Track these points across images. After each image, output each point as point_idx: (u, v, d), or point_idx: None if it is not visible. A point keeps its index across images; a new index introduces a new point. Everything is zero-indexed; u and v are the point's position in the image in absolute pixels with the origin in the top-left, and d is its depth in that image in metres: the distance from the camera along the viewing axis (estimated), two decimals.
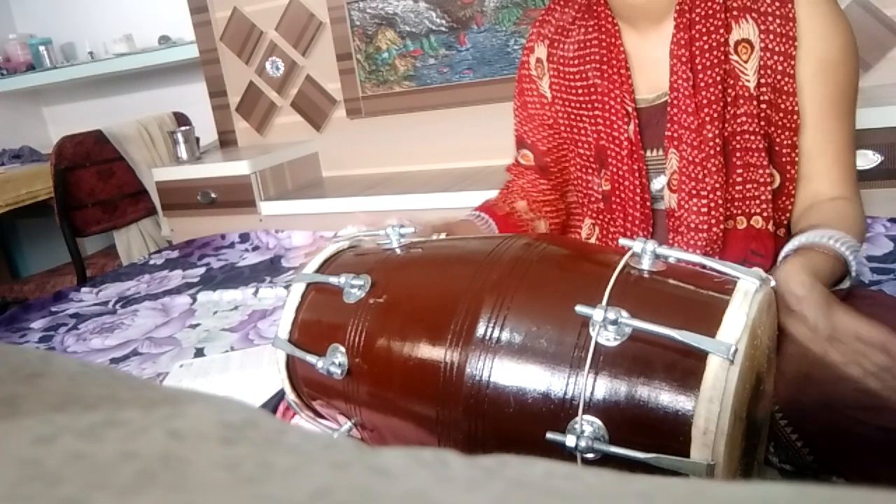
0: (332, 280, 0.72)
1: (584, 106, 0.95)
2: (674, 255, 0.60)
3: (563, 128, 0.99)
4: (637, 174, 0.90)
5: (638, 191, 0.90)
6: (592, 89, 0.93)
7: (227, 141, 2.60)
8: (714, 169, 0.84)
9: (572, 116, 0.97)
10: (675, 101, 0.86)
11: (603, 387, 0.55)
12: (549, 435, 0.55)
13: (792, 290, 0.66)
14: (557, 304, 0.60)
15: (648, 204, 0.91)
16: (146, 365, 1.36)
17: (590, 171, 0.96)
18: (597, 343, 0.55)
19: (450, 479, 0.17)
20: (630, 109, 0.90)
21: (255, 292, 1.68)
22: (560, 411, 0.56)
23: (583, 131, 0.96)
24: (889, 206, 1.44)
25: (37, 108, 3.32)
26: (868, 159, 1.44)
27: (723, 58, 0.83)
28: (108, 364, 1.37)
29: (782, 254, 0.79)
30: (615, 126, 0.90)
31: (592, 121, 0.94)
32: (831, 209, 0.83)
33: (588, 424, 0.54)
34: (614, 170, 0.91)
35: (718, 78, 0.83)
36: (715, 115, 0.83)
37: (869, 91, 0.88)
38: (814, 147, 0.85)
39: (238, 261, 2.02)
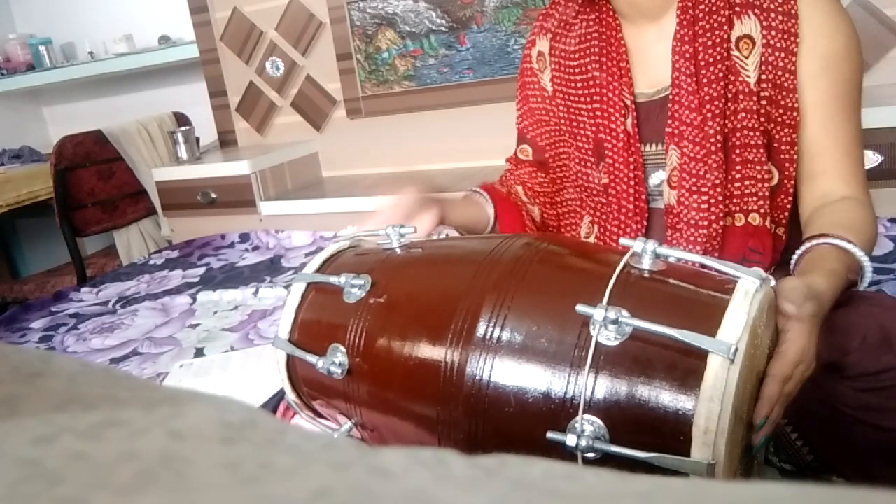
0: (333, 280, 0.72)
1: (583, 99, 0.95)
2: (674, 254, 0.60)
3: (562, 121, 1.00)
4: (632, 167, 0.90)
5: (632, 184, 0.90)
6: (591, 82, 0.93)
7: (227, 141, 2.60)
8: (715, 165, 0.84)
9: (571, 110, 0.97)
10: (677, 97, 0.86)
11: (603, 386, 0.55)
12: (550, 434, 0.55)
13: (783, 307, 0.62)
14: (558, 303, 0.60)
15: (643, 197, 0.91)
16: (146, 365, 1.36)
17: (588, 164, 0.96)
18: (597, 342, 0.55)
19: (450, 479, 0.17)
20: (628, 102, 0.90)
21: (255, 292, 1.68)
22: (560, 411, 0.56)
23: (582, 124, 0.96)
24: (889, 206, 1.44)
25: (37, 108, 3.32)
26: (868, 159, 1.44)
27: (725, 54, 0.84)
28: (108, 364, 1.37)
29: (794, 259, 0.78)
30: (612, 118, 0.91)
31: (591, 114, 0.94)
32: (841, 211, 0.82)
33: (588, 424, 0.54)
34: (610, 162, 0.92)
35: (721, 74, 0.83)
36: (717, 111, 0.83)
37: (869, 91, 0.88)
38: (820, 145, 0.84)
39: (238, 261, 2.02)
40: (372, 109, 2.30)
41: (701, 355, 0.51)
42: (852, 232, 0.76)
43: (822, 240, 0.76)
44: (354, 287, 0.70)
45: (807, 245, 0.77)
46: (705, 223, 0.85)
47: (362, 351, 0.68)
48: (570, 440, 0.54)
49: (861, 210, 0.82)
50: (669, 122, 0.87)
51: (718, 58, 0.84)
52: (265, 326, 1.47)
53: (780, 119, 0.84)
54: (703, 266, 0.60)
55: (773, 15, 0.82)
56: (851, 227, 0.77)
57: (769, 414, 0.58)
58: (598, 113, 0.93)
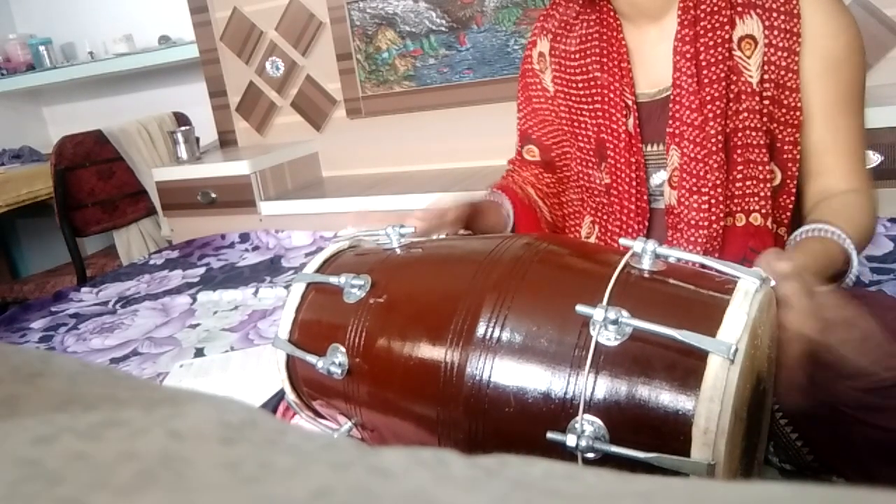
0: (333, 280, 0.72)
1: (584, 99, 0.95)
2: (674, 254, 0.60)
3: (563, 121, 1.00)
4: (634, 167, 0.90)
5: (634, 184, 0.90)
6: (593, 83, 0.93)
7: (227, 141, 2.60)
8: (715, 165, 0.84)
9: (573, 110, 0.97)
10: (678, 98, 0.86)
11: (603, 386, 0.55)
12: (550, 434, 0.55)
13: (775, 270, 0.62)
14: (558, 303, 0.60)
15: (645, 198, 0.91)
16: (146, 365, 1.36)
17: (590, 164, 0.97)
18: (597, 343, 0.55)
19: (450, 479, 0.17)
20: (630, 103, 0.90)
21: (255, 292, 1.68)
22: (560, 411, 0.56)
23: (583, 125, 0.96)
24: (889, 206, 1.44)
25: (37, 108, 3.32)
26: (868, 159, 1.44)
27: (727, 54, 0.84)
28: (108, 364, 1.37)
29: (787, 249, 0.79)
30: (614, 119, 0.91)
31: (592, 114, 0.94)
32: (840, 202, 0.83)
33: (588, 424, 0.54)
34: (612, 162, 0.92)
35: (722, 74, 0.83)
36: (718, 111, 0.84)
37: (869, 91, 0.89)
38: (824, 143, 0.85)
39: (238, 261, 2.02)
40: (372, 109, 2.30)
41: (701, 355, 0.51)
42: (841, 219, 0.77)
43: (807, 225, 0.78)
44: (354, 287, 0.70)
45: (794, 235, 0.78)
46: (706, 223, 0.85)
47: (362, 351, 0.68)
48: (570, 440, 0.54)
49: (858, 200, 0.83)
50: (670, 122, 0.87)
51: (720, 58, 0.84)
52: (265, 326, 1.47)
53: (782, 119, 0.84)
54: (703, 266, 0.60)
55: (775, 14, 0.82)
56: (845, 216, 0.79)
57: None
58: (600, 113, 0.93)
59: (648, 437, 0.53)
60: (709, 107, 0.84)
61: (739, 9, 0.84)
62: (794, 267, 0.62)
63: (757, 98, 0.84)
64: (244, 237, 2.18)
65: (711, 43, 0.84)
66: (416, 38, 2.18)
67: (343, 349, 0.69)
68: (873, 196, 0.86)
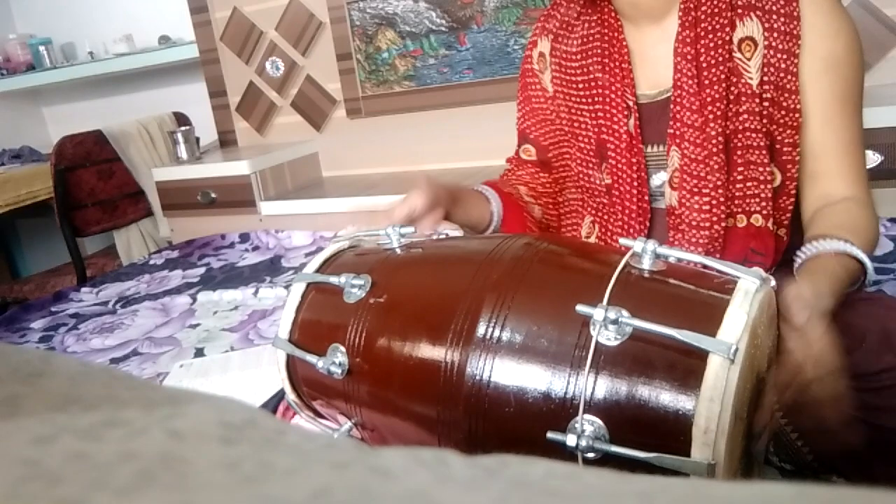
0: (333, 280, 0.72)
1: (584, 100, 0.95)
2: (674, 254, 0.60)
3: (563, 122, 1.00)
4: (635, 168, 0.90)
5: (635, 185, 0.90)
6: (594, 83, 0.93)
7: (227, 141, 2.60)
8: (716, 166, 0.84)
9: (573, 111, 0.97)
10: (679, 99, 0.86)
11: (603, 386, 0.55)
12: (550, 434, 0.55)
13: (794, 313, 0.62)
14: (558, 303, 0.60)
15: (646, 198, 0.91)
16: (146, 365, 1.36)
17: (590, 165, 0.97)
18: (597, 342, 0.55)
19: (450, 479, 0.17)
20: (630, 104, 0.90)
21: (255, 292, 1.68)
22: (561, 411, 0.56)
23: (583, 125, 0.96)
24: (889, 206, 1.44)
25: (37, 108, 3.32)
26: (868, 159, 1.44)
27: (727, 56, 0.84)
28: (108, 364, 1.37)
29: (797, 262, 0.78)
30: (615, 119, 0.91)
31: (593, 115, 0.94)
32: (843, 212, 0.82)
33: (589, 424, 0.54)
34: (613, 163, 0.92)
35: (723, 76, 0.83)
36: (718, 112, 0.84)
37: (869, 91, 0.89)
38: (822, 145, 0.85)
39: (238, 261, 2.02)
40: (372, 109, 2.30)
41: (701, 355, 0.51)
42: (854, 234, 0.76)
43: (824, 241, 0.76)
44: (354, 287, 0.70)
45: (809, 247, 0.77)
46: (707, 224, 0.85)
47: (362, 351, 0.68)
48: (571, 440, 0.54)
49: (862, 211, 0.82)
50: (671, 123, 0.87)
51: (720, 59, 0.84)
52: (265, 326, 1.47)
53: (782, 121, 0.84)
54: (703, 266, 0.60)
55: (775, 17, 0.82)
56: (854, 228, 0.77)
57: (767, 423, 0.59)
58: (601, 114, 0.93)
59: (649, 436, 0.53)
60: (709, 108, 0.84)
61: (740, 11, 0.84)
62: (818, 318, 0.62)
63: (757, 100, 0.84)
64: (244, 237, 2.18)
65: (712, 45, 0.84)
66: (416, 38, 2.18)
67: (343, 349, 0.69)
68: (873, 205, 0.85)
